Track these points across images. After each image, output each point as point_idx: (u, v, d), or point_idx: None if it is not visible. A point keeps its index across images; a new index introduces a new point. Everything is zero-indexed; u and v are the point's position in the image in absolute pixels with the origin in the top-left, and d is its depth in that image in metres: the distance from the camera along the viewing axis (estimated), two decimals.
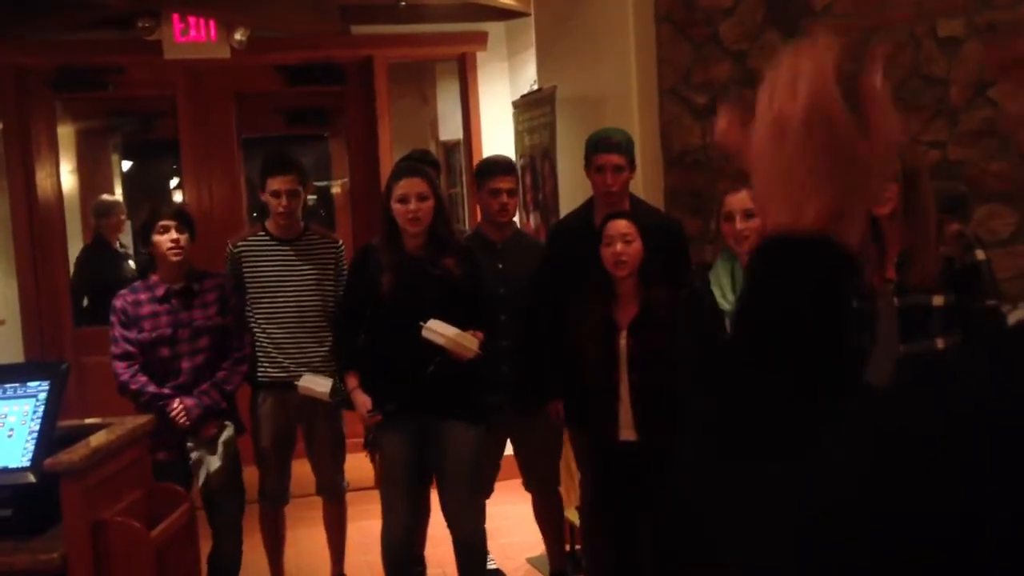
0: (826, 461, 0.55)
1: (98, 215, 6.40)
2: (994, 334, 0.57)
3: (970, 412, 0.50)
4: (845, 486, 0.53)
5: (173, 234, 3.69)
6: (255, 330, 4.02)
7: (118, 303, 3.74)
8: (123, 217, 6.61)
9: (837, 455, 0.55)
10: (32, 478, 2.57)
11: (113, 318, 3.72)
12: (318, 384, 3.89)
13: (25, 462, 2.60)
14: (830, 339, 0.65)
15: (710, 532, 0.61)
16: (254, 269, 4.04)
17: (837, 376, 0.65)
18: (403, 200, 3.50)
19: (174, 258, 3.70)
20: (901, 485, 0.51)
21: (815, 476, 0.55)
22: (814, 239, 0.65)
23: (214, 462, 3.73)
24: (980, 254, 3.05)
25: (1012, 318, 3.15)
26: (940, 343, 2.96)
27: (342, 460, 4.21)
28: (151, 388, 3.66)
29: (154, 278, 3.78)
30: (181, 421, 3.65)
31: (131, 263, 6.59)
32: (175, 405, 3.65)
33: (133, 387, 3.66)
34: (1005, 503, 0.47)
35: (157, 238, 3.70)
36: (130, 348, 3.69)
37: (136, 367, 3.68)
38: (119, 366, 3.68)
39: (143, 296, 3.74)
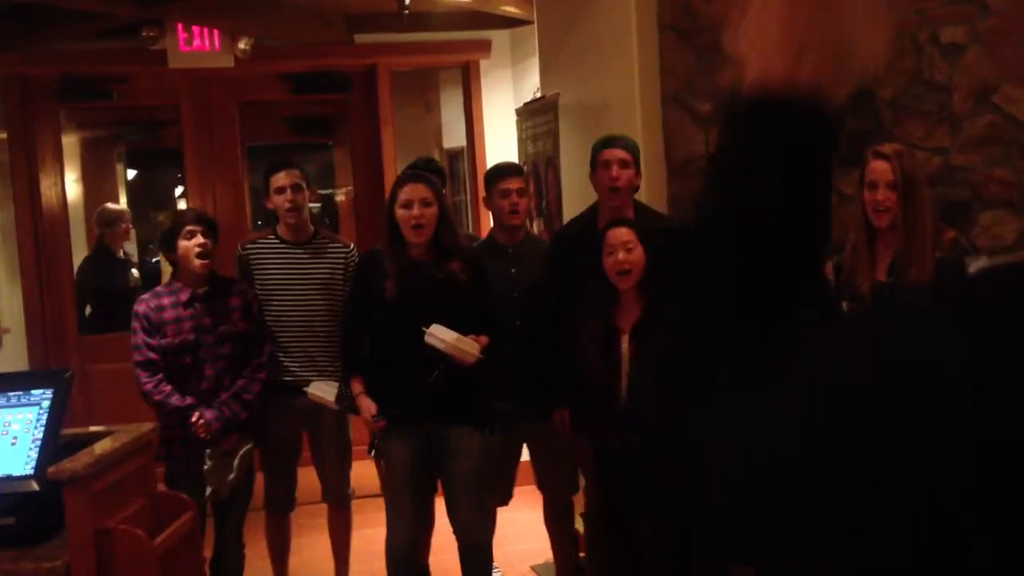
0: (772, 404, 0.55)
1: (102, 224, 6.41)
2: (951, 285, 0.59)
3: (903, 360, 0.51)
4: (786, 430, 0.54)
5: (200, 238, 3.69)
6: None
7: (140, 309, 3.70)
8: (127, 226, 6.62)
9: (780, 399, 0.55)
10: (35, 486, 2.57)
11: (136, 324, 3.68)
12: (325, 391, 3.90)
13: (29, 470, 2.60)
14: (804, 216, 0.61)
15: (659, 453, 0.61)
16: (263, 272, 4.04)
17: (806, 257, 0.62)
18: (407, 206, 3.50)
19: (201, 261, 3.69)
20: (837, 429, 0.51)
21: (763, 416, 0.55)
22: (790, 99, 0.60)
23: (228, 475, 3.72)
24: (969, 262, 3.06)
25: (973, 267, 3.16)
26: None
27: (348, 466, 4.20)
28: (174, 400, 3.64)
29: (177, 283, 3.77)
30: (201, 436, 3.64)
31: (135, 272, 6.60)
32: (195, 419, 3.63)
33: (157, 397, 3.64)
34: (941, 450, 0.48)
35: (184, 243, 3.69)
36: (152, 355, 3.66)
37: (160, 376, 3.66)
38: (142, 375, 3.65)
39: (166, 301, 3.72)
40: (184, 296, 3.72)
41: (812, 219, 0.62)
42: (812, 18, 0.60)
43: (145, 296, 3.80)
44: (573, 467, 4.10)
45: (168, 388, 3.65)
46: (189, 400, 3.66)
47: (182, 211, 3.99)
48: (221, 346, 3.74)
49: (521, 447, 4.12)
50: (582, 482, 4.03)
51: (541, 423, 3.92)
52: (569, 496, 4.14)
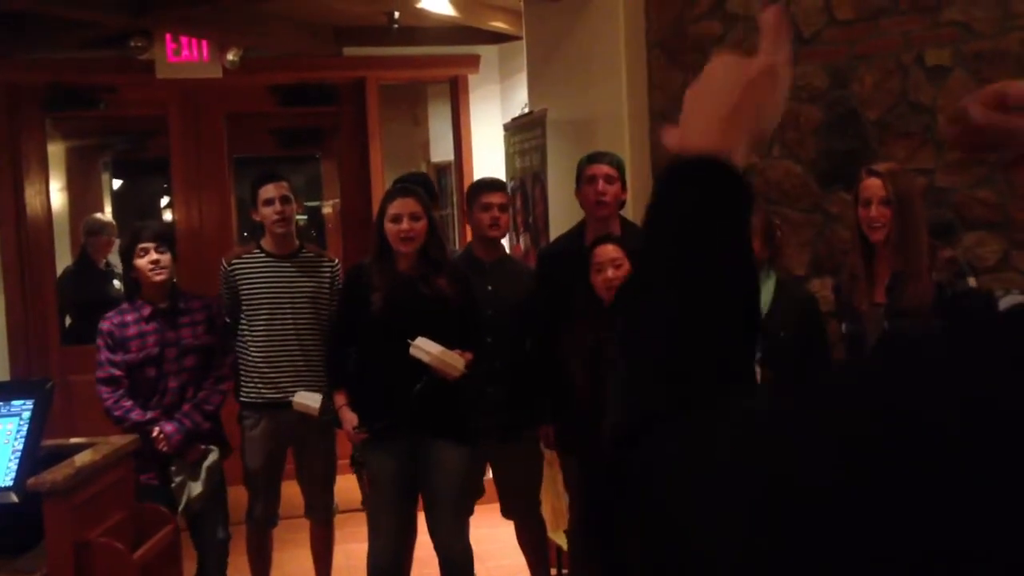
0: (782, 444, 0.55)
1: (88, 233, 6.39)
2: (982, 319, 0.60)
3: (952, 406, 0.50)
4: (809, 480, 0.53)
5: (153, 255, 3.70)
6: (251, 349, 4.00)
7: (104, 326, 3.73)
8: (113, 238, 6.59)
9: (793, 439, 0.55)
10: (15, 498, 2.55)
11: (100, 341, 3.71)
12: (310, 399, 3.89)
13: (8, 482, 2.58)
14: (720, 249, 0.71)
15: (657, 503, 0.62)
16: (250, 287, 4.03)
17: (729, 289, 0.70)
18: (396, 219, 3.51)
19: (156, 278, 3.70)
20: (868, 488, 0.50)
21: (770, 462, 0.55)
22: (706, 159, 0.74)
23: (196, 487, 3.71)
24: (972, 281, 3.07)
25: (1004, 303, 3.16)
26: None
27: (332, 482, 4.18)
28: (134, 415, 3.64)
29: (139, 300, 3.78)
30: (162, 448, 3.63)
31: (116, 283, 6.57)
32: (156, 433, 3.63)
33: (117, 413, 3.65)
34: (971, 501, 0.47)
35: (138, 261, 3.71)
36: (115, 372, 3.68)
37: (121, 391, 3.67)
38: (103, 390, 3.67)
39: (129, 317, 3.74)
40: (146, 311, 3.73)
41: (736, 269, 0.72)
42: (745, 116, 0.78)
43: (109, 314, 3.82)
44: (535, 488, 4.10)
45: (128, 403, 3.66)
46: (151, 414, 3.67)
47: (138, 227, 3.93)
48: (184, 359, 3.75)
49: (485, 465, 4.10)
50: (565, 500, 4.03)
51: (506, 444, 3.91)
52: (534, 515, 4.13)
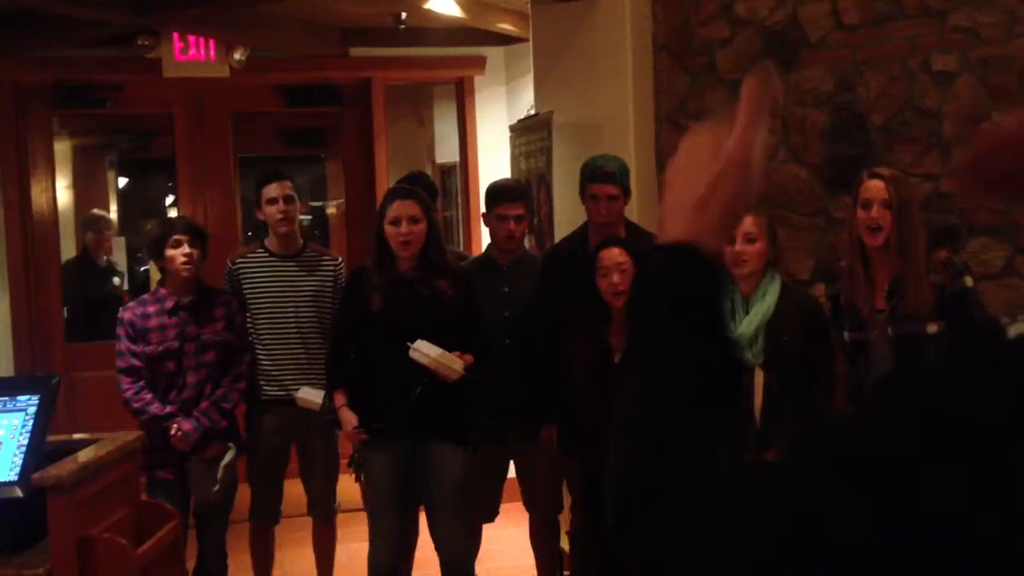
0: (804, 476, 0.60)
1: (85, 228, 6.41)
2: (986, 346, 0.64)
3: (954, 426, 0.53)
4: (828, 501, 0.57)
5: (186, 248, 3.70)
6: (255, 347, 4.01)
7: (126, 316, 3.72)
8: (110, 233, 6.60)
9: (815, 471, 0.60)
10: (19, 492, 2.55)
11: (120, 331, 3.70)
12: (313, 395, 3.90)
13: (13, 476, 2.58)
14: (687, 328, 0.78)
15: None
16: (254, 286, 4.04)
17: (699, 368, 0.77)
18: (395, 223, 3.51)
19: (185, 272, 3.70)
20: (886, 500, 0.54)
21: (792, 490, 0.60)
22: (684, 247, 0.81)
23: (212, 485, 3.70)
24: (968, 280, 3.08)
25: (1012, 331, 3.16)
26: None
27: (335, 481, 4.18)
28: (153, 408, 3.64)
29: (163, 291, 3.77)
30: (180, 447, 3.63)
31: (116, 280, 6.58)
32: (173, 431, 3.63)
33: (136, 405, 3.64)
34: (984, 513, 0.51)
35: (170, 252, 3.70)
36: (136, 362, 3.67)
37: (141, 383, 3.66)
38: (124, 381, 3.66)
39: (151, 309, 3.73)
40: (169, 304, 3.73)
41: (708, 348, 0.78)
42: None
43: (131, 303, 3.81)
44: (558, 486, 4.10)
45: (148, 396, 3.65)
46: (169, 408, 3.66)
47: (171, 218, 3.98)
48: (204, 354, 3.74)
49: (508, 464, 4.12)
50: (567, 501, 4.03)
51: (528, 441, 3.92)
52: (554, 515, 4.13)
